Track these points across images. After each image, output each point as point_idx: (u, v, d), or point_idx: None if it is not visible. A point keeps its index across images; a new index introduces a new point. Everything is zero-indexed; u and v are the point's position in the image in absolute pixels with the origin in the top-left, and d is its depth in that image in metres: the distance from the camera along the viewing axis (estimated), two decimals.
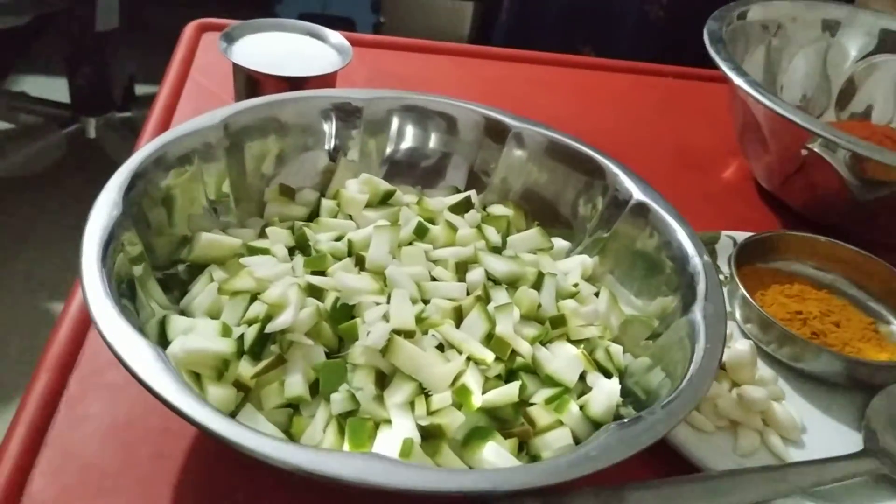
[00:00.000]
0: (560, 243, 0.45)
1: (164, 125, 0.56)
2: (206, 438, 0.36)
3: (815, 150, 0.53)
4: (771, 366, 0.46)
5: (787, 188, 0.59)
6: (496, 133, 0.46)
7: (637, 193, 0.43)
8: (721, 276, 0.52)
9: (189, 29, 0.66)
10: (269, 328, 0.34)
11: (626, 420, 0.31)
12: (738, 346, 0.44)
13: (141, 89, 1.63)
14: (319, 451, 0.27)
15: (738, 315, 0.48)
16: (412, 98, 0.46)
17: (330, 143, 0.45)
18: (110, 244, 0.33)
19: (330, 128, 0.45)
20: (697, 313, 0.36)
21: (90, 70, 1.42)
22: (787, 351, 0.46)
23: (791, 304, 0.49)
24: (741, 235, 0.54)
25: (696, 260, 0.39)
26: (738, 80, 0.54)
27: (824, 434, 0.43)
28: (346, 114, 0.45)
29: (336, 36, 0.56)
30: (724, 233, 0.54)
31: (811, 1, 0.67)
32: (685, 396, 0.31)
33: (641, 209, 0.42)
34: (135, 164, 0.37)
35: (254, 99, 0.44)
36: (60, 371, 0.38)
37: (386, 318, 0.36)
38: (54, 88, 1.61)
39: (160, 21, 1.27)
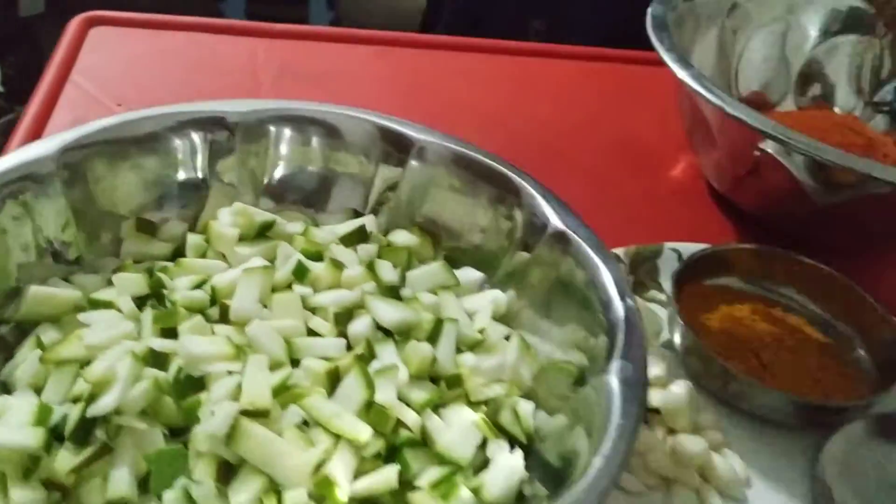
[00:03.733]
0: (471, 275, 0.39)
1: (35, 137, 0.49)
2: None
3: (768, 150, 0.47)
4: (714, 405, 0.41)
5: (739, 190, 0.53)
6: (398, 147, 0.40)
7: (555, 220, 0.36)
8: (662, 297, 0.46)
9: (74, 23, 0.59)
10: (91, 412, 0.28)
11: None
12: (675, 390, 0.38)
13: None
14: None
15: (678, 345, 0.43)
16: (296, 109, 0.40)
17: (199, 167, 0.39)
18: None
19: (198, 148, 0.39)
20: (614, 375, 0.30)
21: (18, 57, 1.33)
22: (730, 389, 0.40)
23: (739, 331, 0.43)
24: (687, 248, 0.48)
25: (616, 304, 0.33)
26: (681, 74, 0.48)
27: (771, 486, 0.38)
28: (218, 131, 0.39)
29: None
30: (667, 245, 0.48)
31: None
32: (591, 489, 0.26)
33: (561, 238, 0.36)
34: None
35: (101, 120, 0.37)
36: None
37: (238, 392, 0.30)
38: None
39: (94, 4, 1.19)
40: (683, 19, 0.54)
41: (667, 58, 0.49)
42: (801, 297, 0.46)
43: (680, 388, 0.38)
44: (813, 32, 0.60)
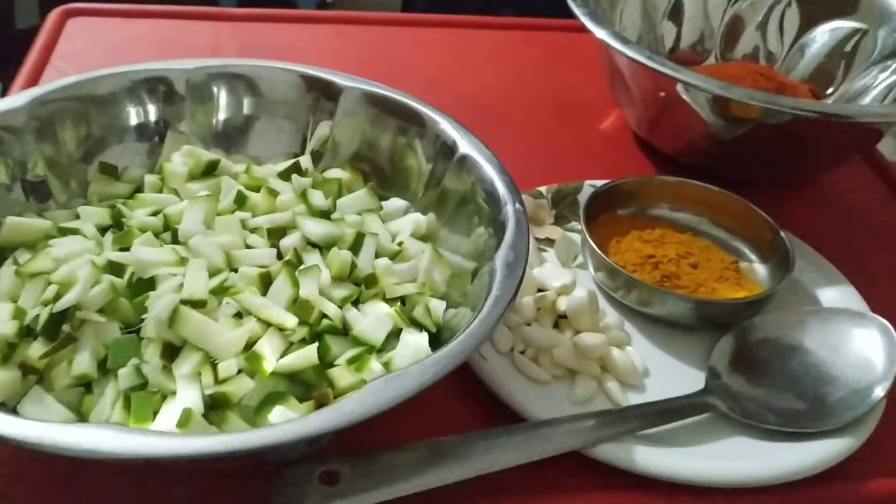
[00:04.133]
0: (397, 203, 0.44)
1: None
2: None
3: (676, 92, 0.52)
4: (620, 313, 0.46)
5: (655, 133, 0.58)
6: (327, 94, 0.45)
7: (462, 145, 0.42)
8: (580, 227, 0.51)
9: (53, 14, 0.65)
10: (57, 307, 0.34)
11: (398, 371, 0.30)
12: (577, 294, 0.43)
13: None
14: (37, 424, 0.26)
15: (589, 265, 0.48)
16: (237, 65, 0.45)
17: (154, 118, 0.44)
18: None
19: (154, 101, 0.44)
20: (498, 261, 0.35)
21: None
22: (633, 296, 0.45)
23: (646, 249, 0.48)
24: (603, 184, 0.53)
25: (508, 207, 0.38)
26: (596, 31, 0.53)
27: (669, 377, 0.43)
28: (170, 85, 0.44)
29: None
30: (587, 182, 0.53)
31: None
32: (462, 341, 0.31)
33: (465, 160, 0.41)
34: None
35: (65, 78, 0.42)
36: None
37: (181, 289, 0.35)
38: None
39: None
40: None
41: (583, 18, 0.54)
42: (706, 221, 0.51)
43: (581, 293, 0.43)
44: None
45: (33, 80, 0.58)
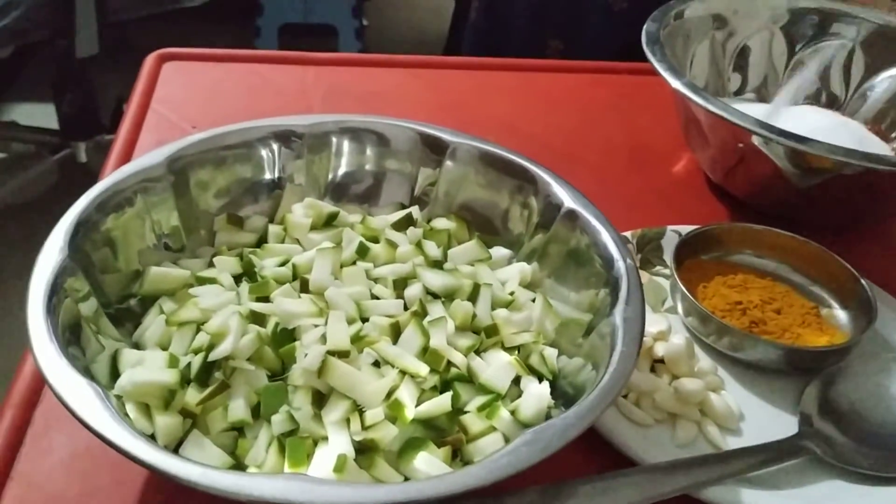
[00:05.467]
0: (501, 252, 0.47)
1: (127, 157, 0.58)
2: None
3: (753, 142, 0.54)
4: (712, 357, 0.48)
5: (730, 179, 0.60)
6: (435, 149, 0.48)
7: (568, 201, 0.44)
8: (666, 271, 0.54)
9: (150, 59, 0.68)
10: (212, 356, 0.37)
11: (541, 425, 0.32)
12: (675, 341, 0.45)
13: None
14: (242, 475, 0.29)
15: (679, 309, 0.50)
16: (352, 121, 0.48)
17: (275, 171, 0.47)
18: (55, 291, 0.35)
19: (274, 155, 0.47)
20: (617, 316, 0.38)
21: (76, 95, 1.44)
22: (725, 342, 0.47)
23: (732, 295, 0.50)
24: (686, 230, 0.55)
25: (619, 263, 0.40)
26: (672, 81, 0.55)
27: (763, 421, 0.45)
28: (289, 141, 0.47)
29: None
30: (669, 228, 0.56)
31: None
32: (597, 397, 0.33)
33: (572, 215, 0.44)
34: (80, 209, 0.39)
35: (196, 134, 0.46)
36: (25, 407, 0.40)
37: (323, 339, 0.38)
38: (43, 115, 1.64)
39: (144, 41, 1.30)
40: (675, 34, 0.62)
41: (659, 67, 0.57)
42: (786, 267, 0.54)
43: (679, 339, 0.45)
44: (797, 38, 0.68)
45: (137, 124, 0.61)
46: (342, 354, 0.37)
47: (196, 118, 0.62)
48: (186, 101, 0.64)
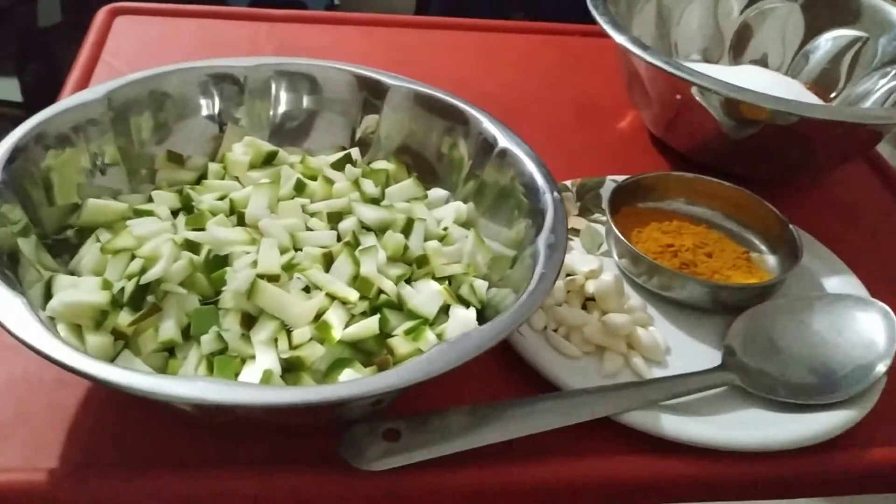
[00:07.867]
0: (439, 193, 0.48)
1: None
2: (97, 388, 0.39)
3: (691, 94, 0.56)
4: (642, 296, 0.50)
5: (671, 133, 0.62)
6: (374, 92, 0.49)
7: (502, 140, 0.46)
8: (604, 218, 0.55)
9: (101, 13, 0.68)
10: (144, 279, 0.37)
11: (458, 335, 0.34)
12: (605, 278, 0.47)
13: None
14: (161, 377, 0.30)
15: (613, 252, 0.51)
16: (292, 63, 0.49)
17: (215, 111, 0.48)
18: None
19: (215, 96, 0.48)
20: (540, 243, 0.39)
21: (38, 66, 1.43)
22: (655, 281, 0.49)
23: (665, 239, 0.52)
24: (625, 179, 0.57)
25: (546, 195, 0.42)
26: (615, 36, 0.57)
27: (689, 356, 0.47)
28: (229, 82, 0.48)
29: None
30: (609, 177, 0.57)
31: None
32: (514, 313, 0.35)
33: (504, 154, 0.45)
34: (15, 138, 0.40)
35: (137, 73, 0.46)
36: None
37: (255, 265, 0.39)
38: (6, 89, 1.61)
39: None
40: None
41: (601, 21, 0.58)
42: (720, 214, 0.55)
43: (609, 277, 0.47)
44: (735, 2, 0.70)
45: (86, 75, 0.62)
46: (272, 278, 0.38)
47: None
48: (137, 55, 0.65)
